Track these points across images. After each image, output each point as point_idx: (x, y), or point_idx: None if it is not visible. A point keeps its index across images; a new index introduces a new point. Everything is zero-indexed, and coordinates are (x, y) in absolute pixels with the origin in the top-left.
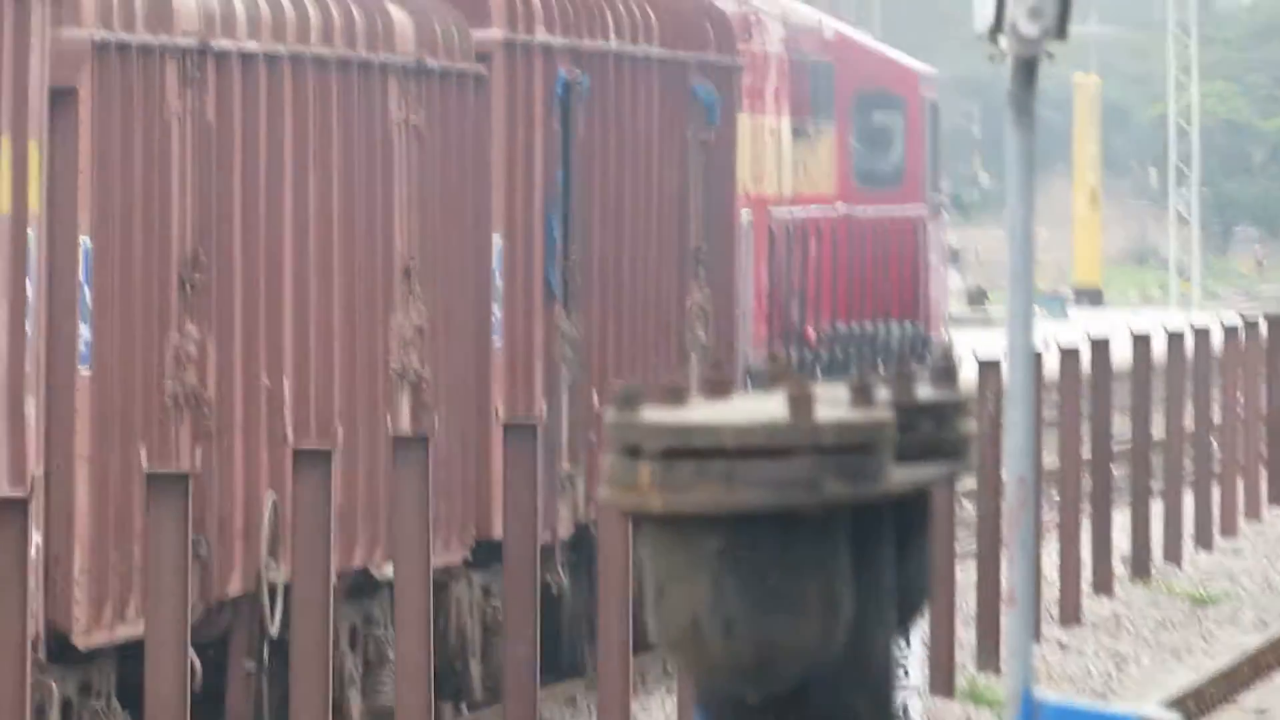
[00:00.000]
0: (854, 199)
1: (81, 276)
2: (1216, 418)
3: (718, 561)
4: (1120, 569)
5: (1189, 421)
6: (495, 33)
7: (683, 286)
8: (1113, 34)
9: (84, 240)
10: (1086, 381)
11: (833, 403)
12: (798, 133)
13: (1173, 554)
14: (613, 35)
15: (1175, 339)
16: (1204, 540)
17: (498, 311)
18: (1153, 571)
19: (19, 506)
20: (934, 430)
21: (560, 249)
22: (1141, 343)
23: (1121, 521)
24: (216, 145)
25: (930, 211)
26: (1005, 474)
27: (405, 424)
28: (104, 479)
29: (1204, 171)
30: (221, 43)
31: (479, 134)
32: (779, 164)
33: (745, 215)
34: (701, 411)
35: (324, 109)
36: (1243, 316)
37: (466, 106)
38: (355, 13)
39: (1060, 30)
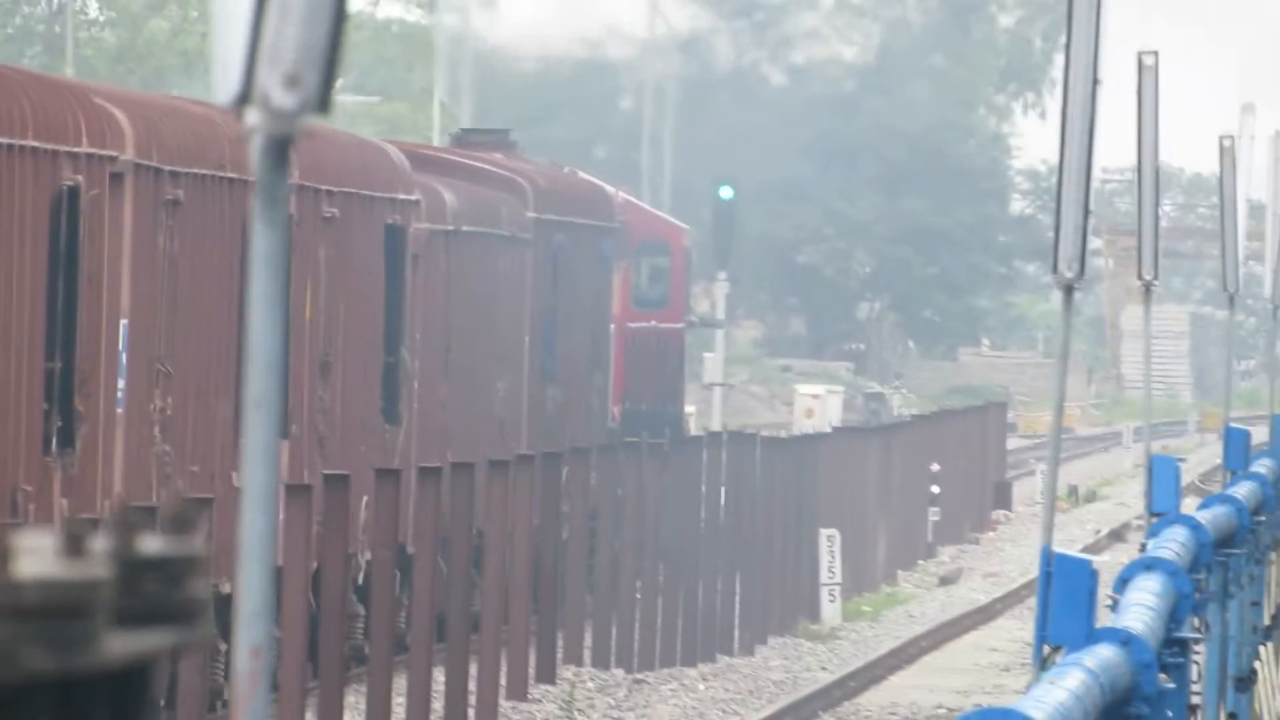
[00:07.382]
0: (635, 318)
1: None
2: None
3: None
4: None
5: None
6: (531, 215)
7: (592, 371)
8: (365, 104)
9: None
10: None
11: (37, 554)
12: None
13: None
14: (577, 214)
15: None
16: None
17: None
18: None
19: None
20: (161, 590)
21: (549, 345)
22: None
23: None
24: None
25: (685, 327)
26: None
27: None
28: None
29: None
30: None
31: (518, 279)
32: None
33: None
34: None
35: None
36: None
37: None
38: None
39: (323, 102)
